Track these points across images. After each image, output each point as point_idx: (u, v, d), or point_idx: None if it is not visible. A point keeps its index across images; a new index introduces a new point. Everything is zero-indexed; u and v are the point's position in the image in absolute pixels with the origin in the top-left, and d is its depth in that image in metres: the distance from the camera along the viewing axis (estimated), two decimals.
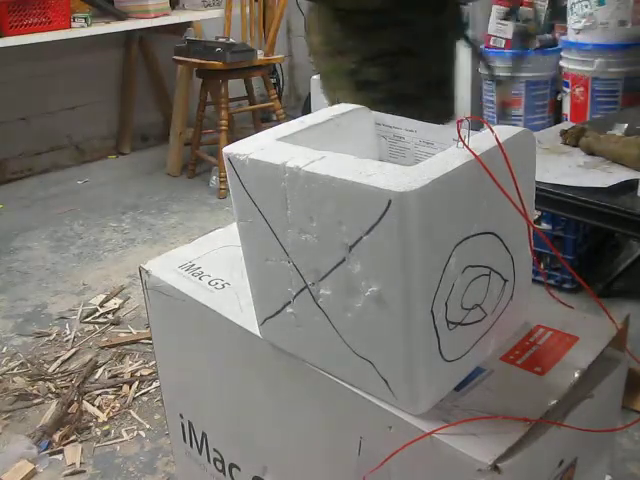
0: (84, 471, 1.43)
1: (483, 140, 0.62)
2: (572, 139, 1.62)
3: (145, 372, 1.75)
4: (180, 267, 0.90)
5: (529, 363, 0.68)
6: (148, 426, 1.56)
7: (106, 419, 1.58)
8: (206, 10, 3.30)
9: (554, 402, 0.62)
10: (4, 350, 1.88)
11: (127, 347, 1.87)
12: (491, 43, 2.82)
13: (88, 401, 1.64)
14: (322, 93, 1.22)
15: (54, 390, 1.68)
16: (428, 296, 0.58)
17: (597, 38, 2.49)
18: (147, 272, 0.90)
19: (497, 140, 0.61)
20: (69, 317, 2.04)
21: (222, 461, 0.90)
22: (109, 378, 1.73)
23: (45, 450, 1.48)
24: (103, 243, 2.58)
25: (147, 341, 1.87)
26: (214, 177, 3.05)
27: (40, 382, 1.72)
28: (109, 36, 3.23)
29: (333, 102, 1.18)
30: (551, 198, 1.41)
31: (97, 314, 2.04)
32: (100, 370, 1.77)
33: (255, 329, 0.75)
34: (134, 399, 1.65)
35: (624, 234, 1.88)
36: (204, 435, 0.93)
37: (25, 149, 3.38)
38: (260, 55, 2.98)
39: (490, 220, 0.63)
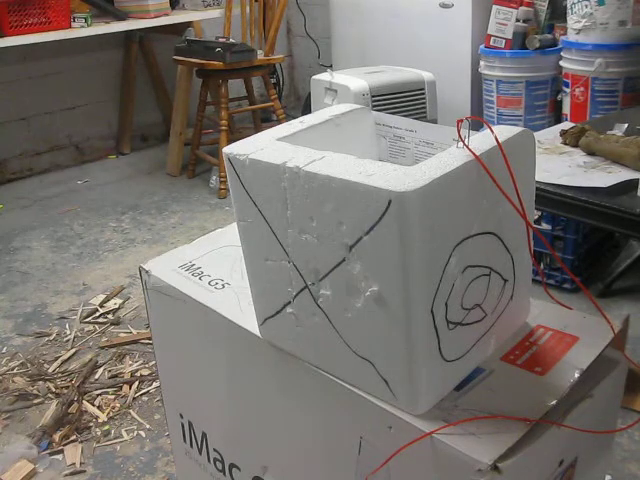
0: (84, 471, 1.43)
1: (483, 140, 0.62)
2: (572, 139, 1.62)
3: (145, 372, 1.75)
4: (180, 267, 0.90)
5: (529, 363, 0.68)
6: (148, 426, 1.56)
7: (106, 419, 1.58)
8: (206, 10, 3.30)
9: (554, 402, 0.62)
10: (4, 350, 1.88)
11: (127, 347, 1.87)
12: (491, 43, 2.82)
13: (88, 401, 1.64)
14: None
15: (54, 390, 1.68)
16: (428, 296, 0.58)
17: (597, 38, 2.49)
18: (147, 272, 0.90)
19: (497, 140, 0.61)
20: (69, 317, 2.04)
21: (222, 461, 0.90)
22: (109, 378, 1.73)
23: (45, 450, 1.48)
24: (103, 243, 2.58)
25: (147, 341, 1.87)
26: (214, 177, 3.05)
27: (40, 382, 1.72)
28: (109, 36, 3.24)
29: None
30: (551, 198, 1.41)
31: (97, 314, 2.04)
32: (100, 370, 1.77)
33: (255, 329, 0.75)
34: (134, 399, 1.65)
35: (624, 234, 1.88)
36: (204, 435, 0.93)
37: (25, 149, 3.38)
38: (260, 55, 2.98)
39: (490, 220, 0.63)
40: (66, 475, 1.42)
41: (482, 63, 2.87)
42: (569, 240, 1.94)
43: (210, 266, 0.90)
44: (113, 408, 1.62)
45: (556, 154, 1.59)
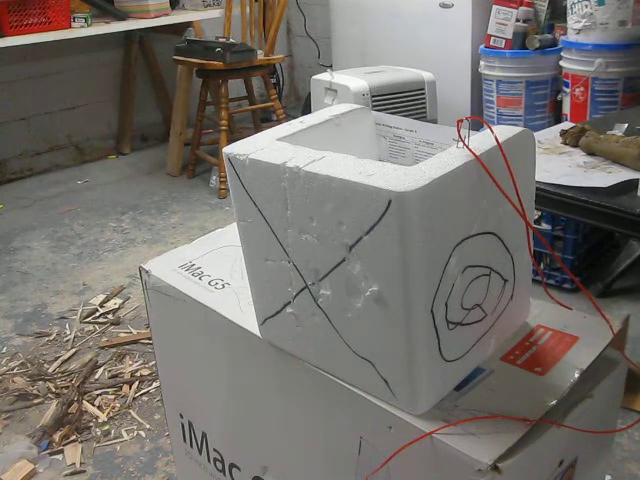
0: (84, 471, 1.43)
1: (483, 140, 0.62)
2: (572, 139, 1.62)
3: (145, 372, 1.75)
4: (180, 267, 0.90)
5: (529, 363, 0.68)
6: (148, 426, 1.56)
7: (106, 419, 1.58)
8: (206, 10, 3.30)
9: (554, 402, 0.62)
10: (4, 350, 1.88)
11: (127, 347, 1.87)
12: (491, 43, 2.82)
13: (88, 401, 1.64)
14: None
15: (54, 390, 1.68)
16: (428, 296, 0.58)
17: (597, 38, 2.49)
18: (147, 272, 0.90)
19: (497, 140, 0.61)
20: (69, 317, 2.04)
21: (222, 461, 0.90)
22: (109, 378, 1.73)
23: (45, 450, 1.48)
24: (103, 243, 2.58)
25: (147, 341, 1.87)
26: (214, 177, 3.05)
27: (40, 382, 1.72)
28: (109, 36, 3.24)
29: None
30: (551, 198, 1.41)
31: (97, 314, 2.04)
32: (100, 370, 1.77)
33: (255, 329, 0.75)
34: (134, 399, 1.65)
35: (624, 234, 1.88)
36: (204, 435, 0.93)
37: (25, 149, 3.38)
38: (260, 55, 2.98)
39: (490, 220, 0.63)
40: (66, 475, 1.42)
41: (482, 63, 2.87)
42: (569, 240, 1.94)
43: (210, 266, 0.90)
44: (113, 408, 1.62)
45: (556, 154, 1.59)
